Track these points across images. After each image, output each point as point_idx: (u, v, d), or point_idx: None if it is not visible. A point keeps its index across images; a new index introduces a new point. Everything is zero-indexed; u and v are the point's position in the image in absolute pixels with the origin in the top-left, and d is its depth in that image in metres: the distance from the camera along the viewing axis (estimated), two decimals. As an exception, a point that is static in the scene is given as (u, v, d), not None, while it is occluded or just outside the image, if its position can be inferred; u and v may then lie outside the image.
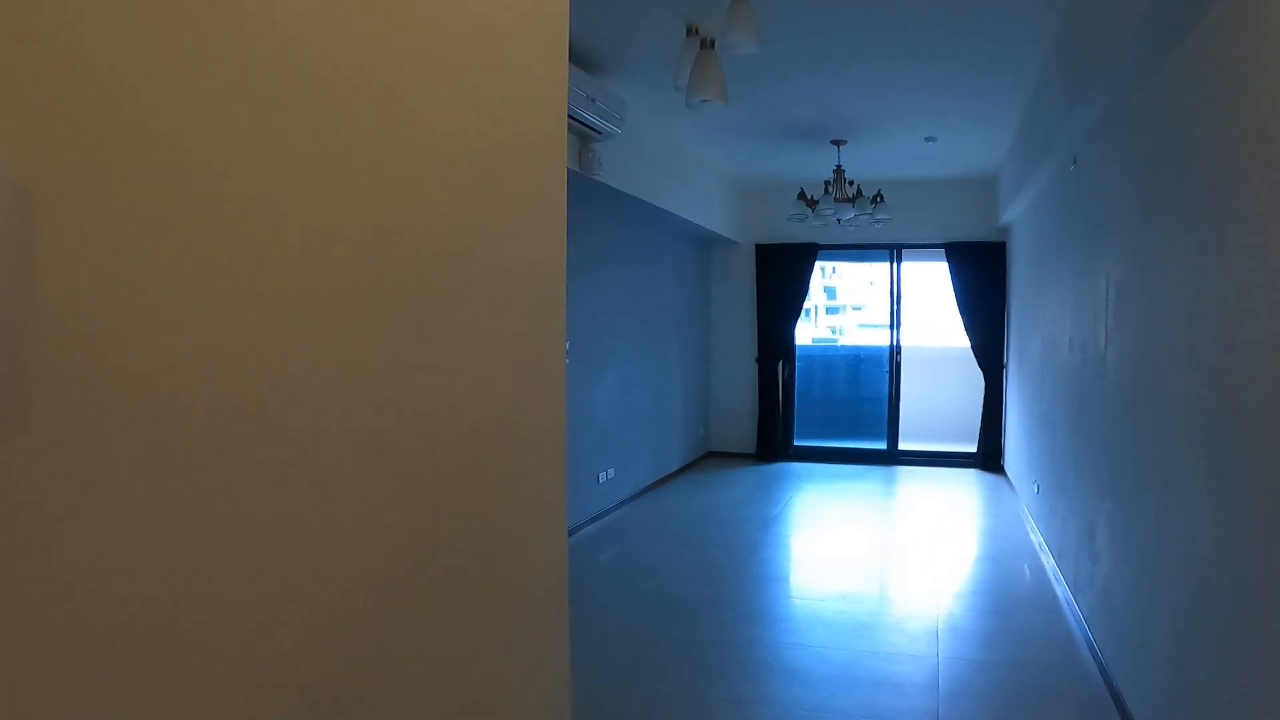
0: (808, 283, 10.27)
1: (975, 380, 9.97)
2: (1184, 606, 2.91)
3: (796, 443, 10.57)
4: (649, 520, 7.31)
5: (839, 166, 7.67)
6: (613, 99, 5.59)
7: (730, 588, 5.47)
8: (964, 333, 9.84)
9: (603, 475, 7.28)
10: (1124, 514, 3.75)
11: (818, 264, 10.24)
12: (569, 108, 5.16)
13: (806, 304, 10.57)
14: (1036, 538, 6.50)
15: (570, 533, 6.60)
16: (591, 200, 6.83)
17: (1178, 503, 2.98)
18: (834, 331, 17.95)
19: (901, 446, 10.31)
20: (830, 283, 18.96)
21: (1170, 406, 3.11)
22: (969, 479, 9.26)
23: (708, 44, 3.07)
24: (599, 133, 5.64)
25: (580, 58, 5.35)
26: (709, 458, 10.56)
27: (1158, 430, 3.26)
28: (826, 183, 7.65)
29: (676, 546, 6.46)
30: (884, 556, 6.38)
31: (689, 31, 3.20)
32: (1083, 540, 4.70)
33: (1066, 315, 5.43)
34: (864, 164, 8.31)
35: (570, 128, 5.48)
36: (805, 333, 15.78)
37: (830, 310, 19.42)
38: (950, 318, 10.13)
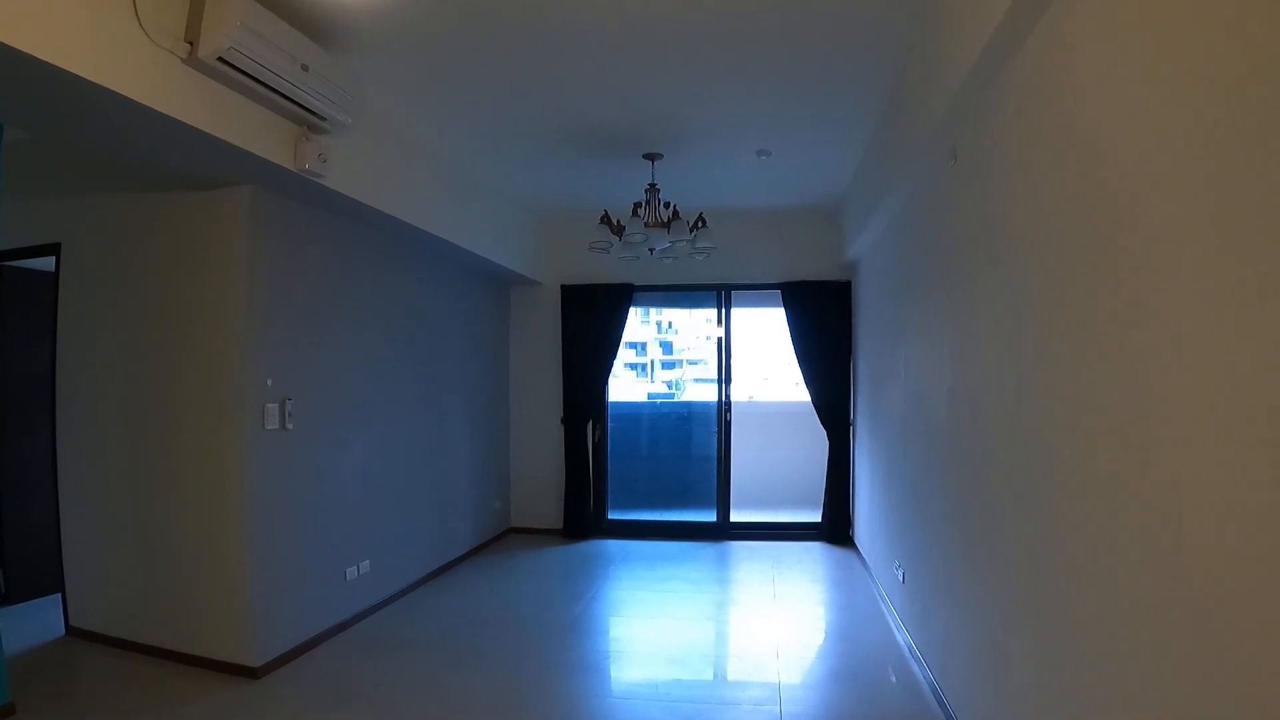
0: (622, 330, 9.17)
1: (818, 440, 9.09)
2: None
3: (611, 516, 9.41)
4: (411, 627, 5.93)
5: (653, 184, 6.57)
6: (339, 73, 4.32)
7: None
8: (804, 386, 8.91)
9: (351, 571, 5.88)
10: (1074, 652, 2.63)
11: (652, 313, 9.13)
12: (268, 74, 3.87)
13: (641, 358, 9.47)
14: (904, 637, 5.51)
15: (305, 648, 5.23)
16: (328, 215, 5.55)
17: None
18: (670, 387, 17.31)
19: (735, 518, 9.26)
20: (667, 336, 18.42)
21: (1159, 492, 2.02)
22: (814, 555, 8.27)
23: None
24: (321, 118, 4.36)
25: (293, 12, 4.06)
26: (510, 535, 9.25)
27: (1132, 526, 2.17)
28: (636, 204, 6.54)
29: (431, 671, 5.09)
30: (710, 677, 5.21)
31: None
32: (984, 664, 3.65)
33: (946, 362, 4.41)
34: (685, 189, 7.30)
35: (277, 107, 4.18)
36: (641, 389, 14.98)
37: (666, 365, 18.84)
38: (789, 369, 9.21)
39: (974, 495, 3.85)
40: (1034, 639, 2.99)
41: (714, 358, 9.26)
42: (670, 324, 17.75)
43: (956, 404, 4.17)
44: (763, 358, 11.64)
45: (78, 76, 3.09)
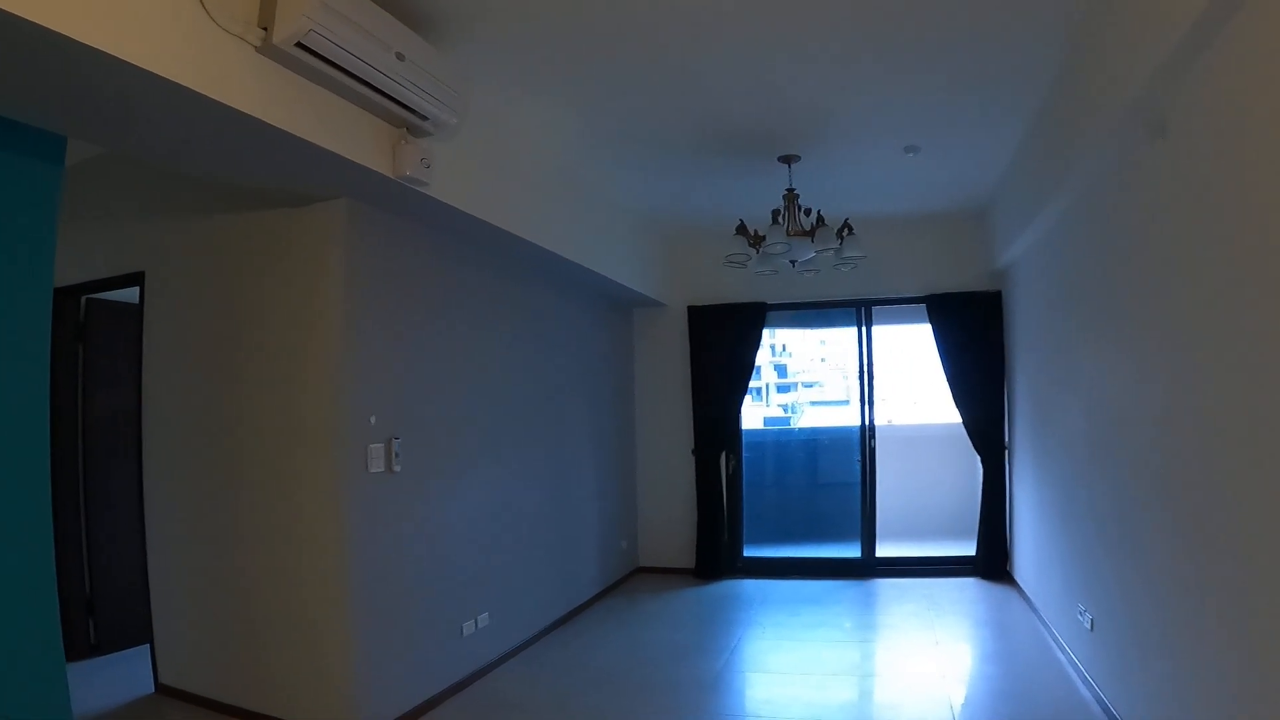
0: (755, 353, 8.40)
1: (963, 465, 8.36)
2: None
3: (746, 553, 8.57)
4: (533, 686, 5.24)
5: (791, 189, 5.84)
6: (441, 66, 3.72)
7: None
8: (954, 407, 8.03)
9: (469, 625, 5.23)
10: None
11: (764, 334, 8.37)
12: (356, 63, 3.29)
13: (756, 382, 8.72)
14: (1091, 691, 4.67)
15: (416, 714, 4.65)
16: (432, 231, 4.95)
17: None
18: (786, 410, 16.71)
19: (880, 552, 8.33)
20: (780, 360, 17.83)
21: None
22: (971, 594, 7.33)
23: None
24: (421, 117, 3.76)
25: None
26: (638, 576, 8.52)
27: None
28: (775, 212, 5.81)
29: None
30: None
31: None
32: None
33: (1159, 381, 3.54)
34: (822, 195, 6.48)
35: (370, 104, 3.58)
36: (756, 413, 14.31)
37: (781, 389, 18.21)
38: (926, 389, 8.47)
39: (1213, 538, 3.00)
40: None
41: (839, 379, 8.52)
42: (784, 346, 17.24)
43: (1180, 430, 3.32)
44: (897, 375, 10.84)
45: (129, 64, 2.53)
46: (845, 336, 9.61)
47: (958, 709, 4.68)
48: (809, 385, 17.97)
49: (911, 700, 4.91)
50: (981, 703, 4.86)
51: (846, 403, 13.64)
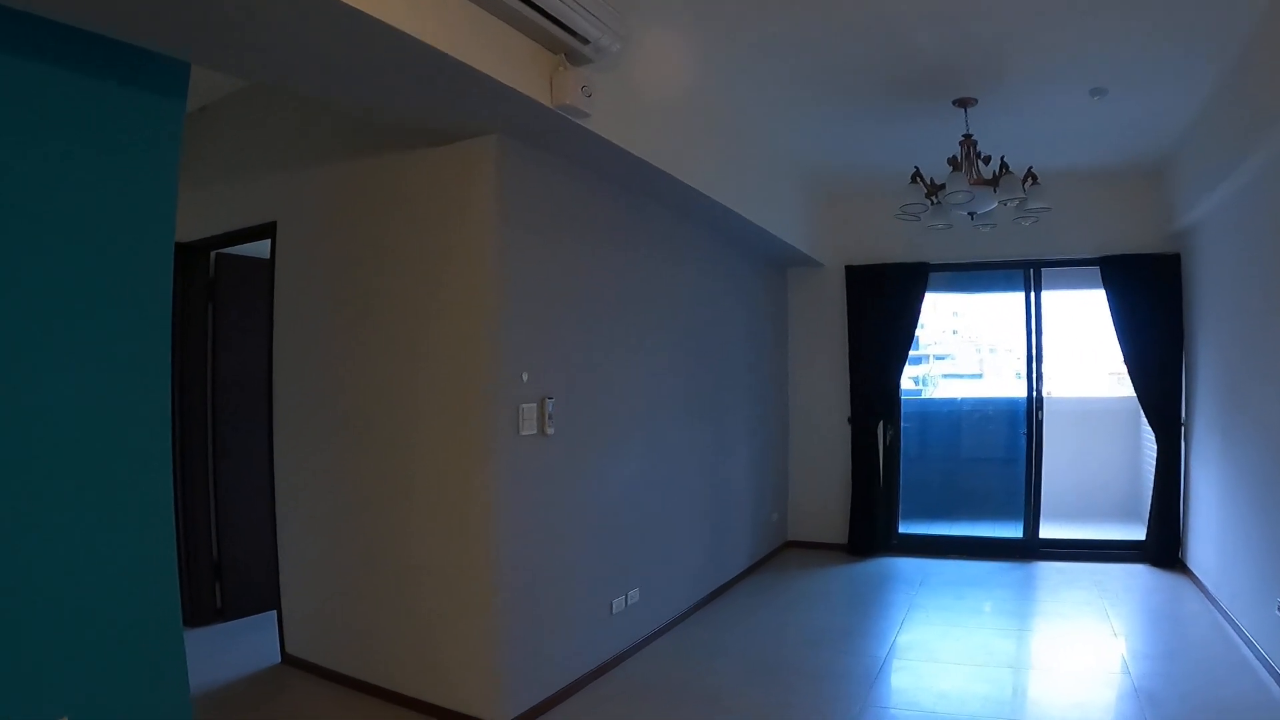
0: (917, 316, 7.71)
1: (1126, 442, 7.97)
2: None
3: (902, 529, 7.94)
4: (680, 671, 4.76)
5: (969, 135, 5.19)
6: (603, -17, 3.25)
7: None
8: (1126, 379, 7.28)
9: (618, 602, 4.79)
10: None
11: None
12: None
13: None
14: None
15: (559, 698, 4.22)
16: (584, 172, 4.46)
17: None
18: (918, 383, 16.11)
19: (1043, 534, 7.58)
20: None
21: None
22: (1142, 582, 6.57)
23: None
24: (583, 40, 3.29)
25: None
26: (787, 550, 7.98)
27: None
28: (952, 159, 5.17)
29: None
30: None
31: None
32: None
33: None
34: (995, 141, 5.64)
35: (523, 22, 3.12)
36: None
37: (912, 360, 17.59)
38: (1075, 360, 8.42)
39: None
40: None
41: (971, 351, 7.89)
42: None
43: None
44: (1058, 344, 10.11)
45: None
46: (983, 305, 8.95)
47: (1147, 709, 4.07)
48: (940, 358, 17.32)
49: (1097, 698, 4.31)
50: (1172, 704, 4.19)
51: (979, 376, 12.87)
